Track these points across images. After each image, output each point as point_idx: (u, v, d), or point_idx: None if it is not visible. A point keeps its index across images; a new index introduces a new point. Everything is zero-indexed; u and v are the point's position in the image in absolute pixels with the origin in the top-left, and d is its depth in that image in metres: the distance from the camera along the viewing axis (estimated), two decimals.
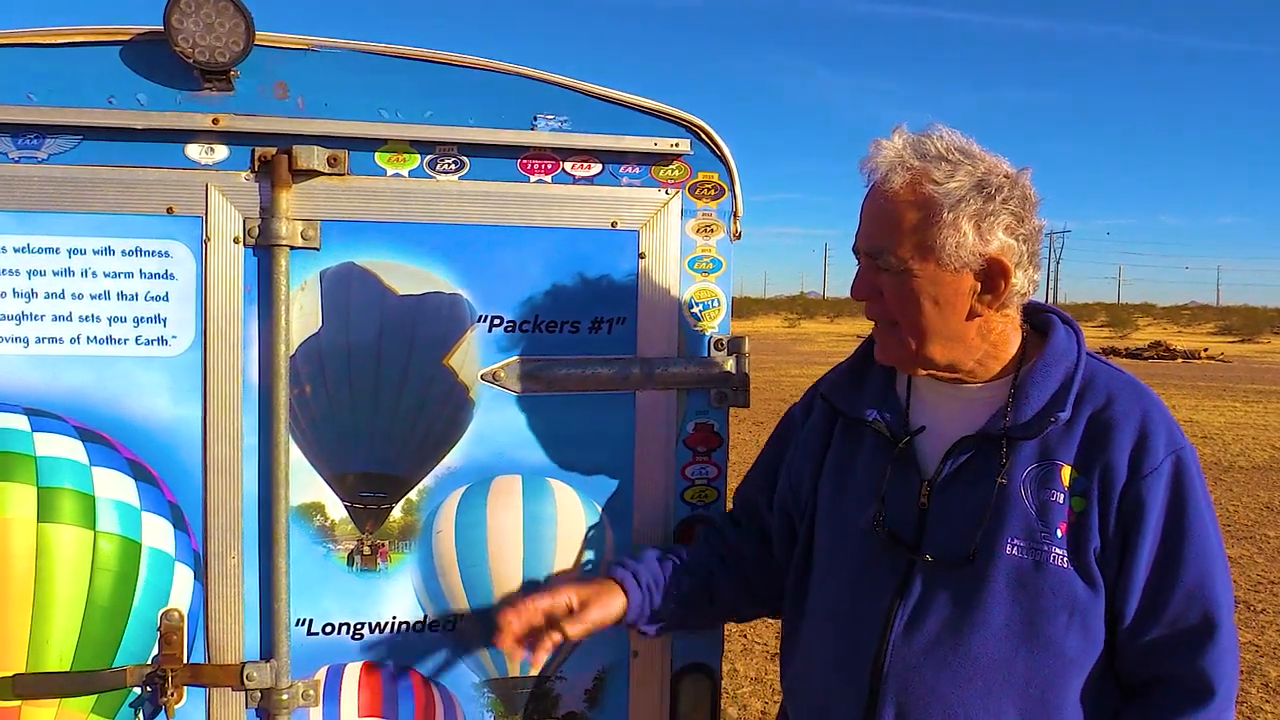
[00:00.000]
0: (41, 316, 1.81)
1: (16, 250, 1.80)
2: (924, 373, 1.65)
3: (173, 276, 1.85)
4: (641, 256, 2.02)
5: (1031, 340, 1.66)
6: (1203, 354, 34.33)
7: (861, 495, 1.69)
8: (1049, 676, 1.53)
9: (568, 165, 1.99)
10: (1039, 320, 1.69)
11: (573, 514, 2.02)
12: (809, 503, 1.82)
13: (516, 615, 1.76)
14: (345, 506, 1.94)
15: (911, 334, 1.58)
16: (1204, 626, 1.50)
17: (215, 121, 1.82)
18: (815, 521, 1.80)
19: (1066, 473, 1.54)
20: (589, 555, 2.04)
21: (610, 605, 1.82)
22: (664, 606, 1.86)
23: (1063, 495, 1.53)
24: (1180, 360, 32.50)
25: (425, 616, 1.99)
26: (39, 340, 1.81)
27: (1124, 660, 1.56)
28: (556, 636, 1.77)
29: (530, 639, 1.79)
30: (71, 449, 1.78)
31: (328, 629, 1.95)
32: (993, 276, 1.54)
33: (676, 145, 2.00)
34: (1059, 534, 1.52)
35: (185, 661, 1.87)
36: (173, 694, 1.84)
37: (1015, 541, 1.53)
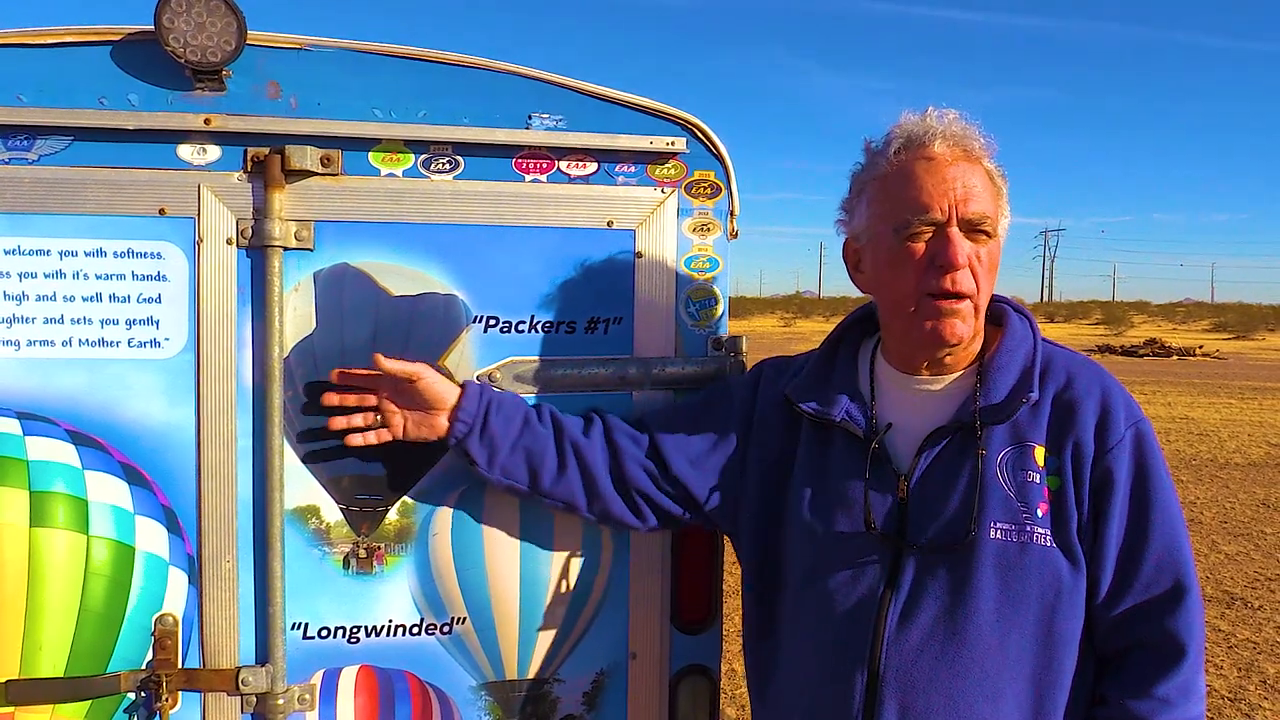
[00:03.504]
0: (33, 319, 1.80)
1: (7, 252, 1.78)
2: (951, 354, 1.64)
3: (165, 278, 1.84)
4: (638, 256, 2.01)
5: (988, 330, 1.70)
6: (1198, 351, 34.44)
7: (840, 496, 1.69)
8: (1041, 656, 1.57)
9: (563, 164, 1.98)
10: (991, 310, 1.72)
11: (570, 516, 2.01)
12: (774, 509, 1.79)
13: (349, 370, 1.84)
14: (340, 509, 1.93)
15: (982, 306, 1.61)
16: (1175, 590, 1.56)
17: (207, 122, 1.81)
18: (785, 528, 1.78)
19: (1039, 453, 1.59)
20: (585, 557, 2.02)
21: (442, 390, 1.81)
22: (500, 434, 1.82)
23: (1038, 475, 1.58)
24: (1176, 357, 32.59)
25: (422, 619, 1.97)
26: (30, 343, 1.79)
27: (1100, 631, 1.60)
28: (373, 402, 1.84)
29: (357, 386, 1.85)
30: (64, 453, 1.77)
31: (324, 633, 1.94)
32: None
33: (672, 144, 1.99)
34: (1040, 514, 1.56)
35: (180, 666, 1.85)
36: (167, 699, 1.83)
37: (999, 525, 1.56)
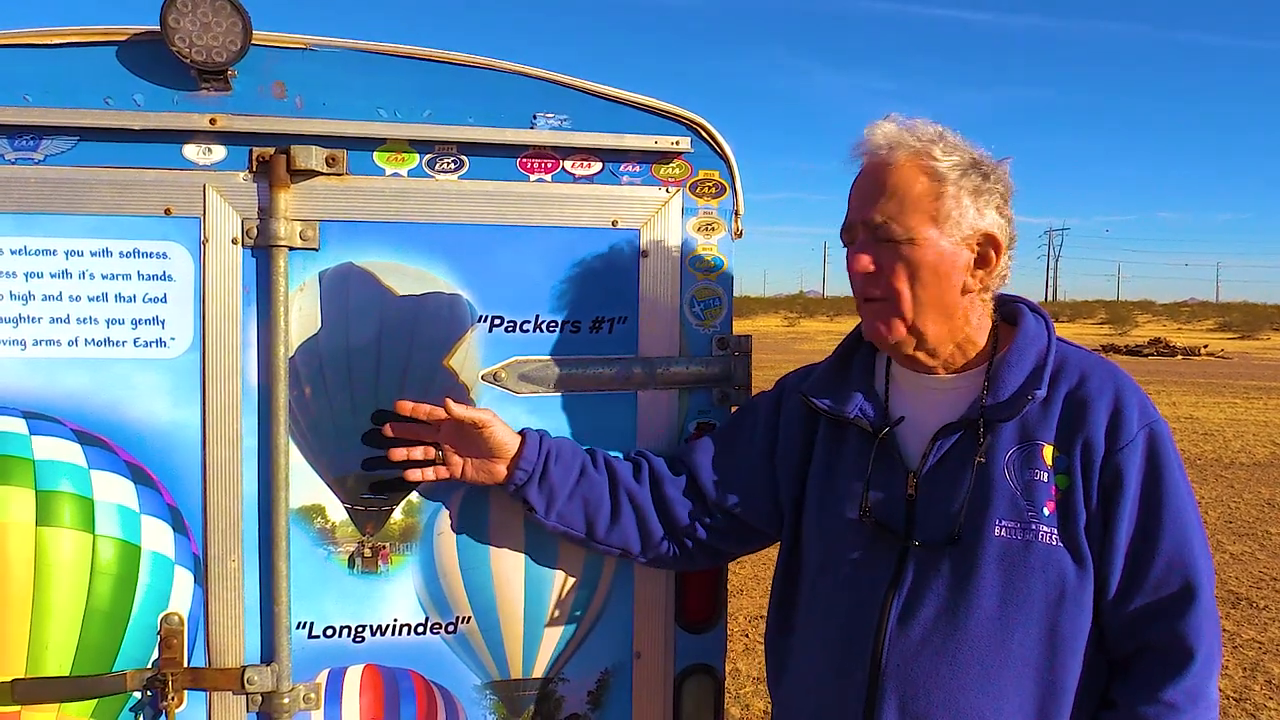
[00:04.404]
0: (39, 319, 1.80)
1: (13, 252, 1.78)
2: (910, 352, 1.66)
3: (171, 278, 1.84)
4: (643, 255, 2.01)
5: (1002, 329, 1.71)
6: (1203, 351, 34.35)
7: (849, 491, 1.70)
8: (1045, 656, 1.56)
9: (568, 164, 1.98)
10: (1008, 310, 1.74)
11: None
12: (792, 508, 1.82)
13: (416, 406, 1.85)
14: (346, 509, 1.93)
15: (908, 307, 1.61)
16: (1184, 593, 1.54)
17: (213, 122, 1.81)
18: (802, 525, 1.80)
19: (1048, 452, 1.58)
20: (590, 557, 2.02)
21: (505, 438, 1.84)
22: (559, 483, 1.85)
23: (1046, 474, 1.57)
24: (1180, 357, 32.51)
25: (427, 619, 1.98)
26: (36, 343, 1.80)
27: (1109, 633, 1.59)
28: (433, 453, 1.87)
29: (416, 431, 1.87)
30: (70, 452, 1.77)
31: (329, 632, 1.94)
32: (985, 251, 1.62)
33: (677, 143, 1.99)
34: (1046, 512, 1.56)
35: (186, 665, 1.86)
36: (173, 698, 1.83)
37: (1004, 523, 1.56)
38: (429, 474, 1.87)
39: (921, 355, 1.67)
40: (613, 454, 1.95)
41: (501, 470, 1.86)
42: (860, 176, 1.64)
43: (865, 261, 1.61)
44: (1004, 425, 1.61)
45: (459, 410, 1.82)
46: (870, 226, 1.61)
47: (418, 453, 1.87)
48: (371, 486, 1.93)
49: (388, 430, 1.88)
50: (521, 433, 1.88)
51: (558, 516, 1.86)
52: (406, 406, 1.85)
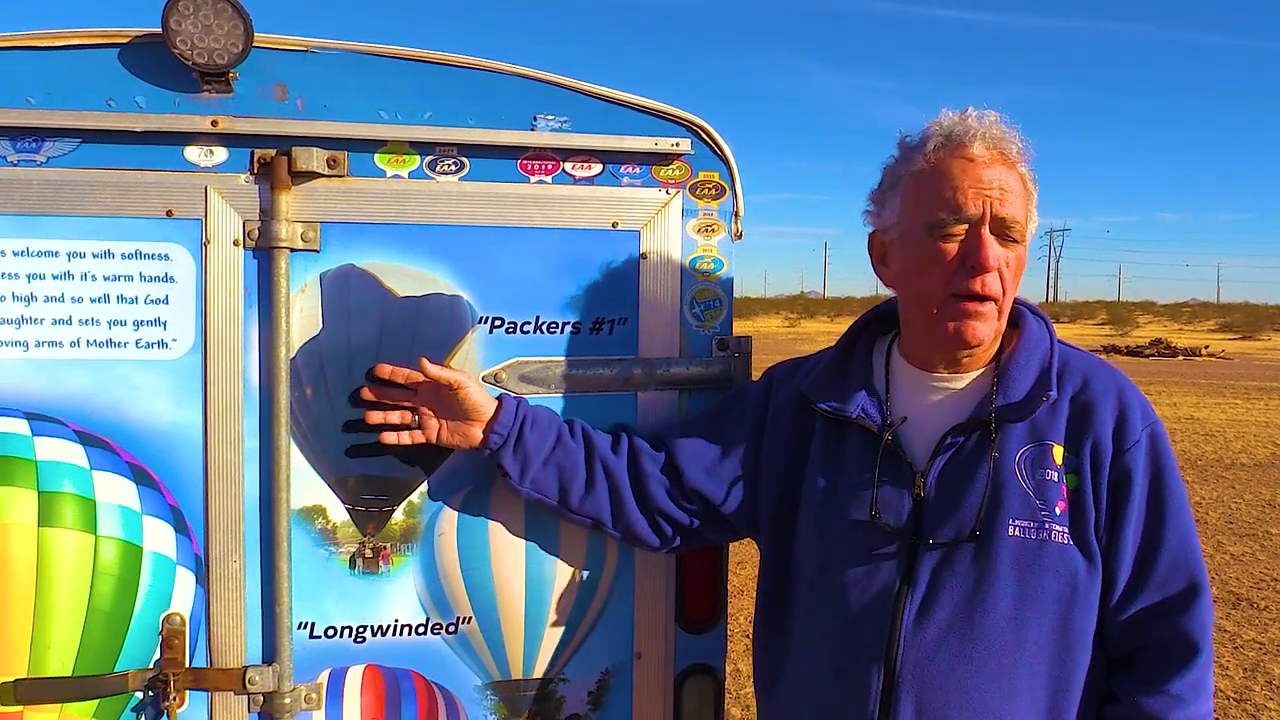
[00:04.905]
0: (41, 320, 1.80)
1: (16, 254, 1.79)
2: (978, 353, 1.66)
3: (172, 279, 1.85)
4: (643, 257, 2.01)
5: (1004, 331, 1.70)
6: (1204, 351, 34.33)
7: (855, 492, 1.69)
8: (1057, 654, 1.57)
9: (568, 165, 1.98)
10: (1009, 312, 1.73)
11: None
12: (778, 505, 1.81)
13: (395, 370, 1.87)
14: (347, 509, 1.94)
15: (1004, 310, 1.62)
16: (1189, 590, 1.57)
17: (214, 124, 1.82)
18: (796, 524, 1.79)
19: (1058, 452, 1.59)
20: (591, 557, 2.03)
21: (481, 400, 1.84)
22: (534, 449, 1.85)
23: (1057, 474, 1.58)
24: (1181, 358, 32.49)
25: (428, 619, 1.98)
26: (39, 344, 1.80)
27: (1112, 630, 1.60)
28: (412, 417, 1.87)
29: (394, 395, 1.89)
30: (72, 453, 1.77)
31: (330, 632, 1.95)
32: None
33: (677, 145, 1.99)
34: (1058, 511, 1.57)
35: (187, 666, 1.86)
36: (175, 698, 1.84)
37: (1017, 522, 1.57)
38: (404, 438, 1.88)
39: (967, 358, 1.67)
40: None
41: (476, 434, 1.86)
42: (976, 166, 1.56)
43: (992, 259, 1.55)
44: (1014, 426, 1.61)
45: (434, 370, 1.83)
46: (1004, 223, 1.56)
47: (394, 417, 1.88)
48: (373, 487, 1.94)
49: (365, 394, 1.89)
50: (499, 397, 1.89)
51: (531, 483, 1.86)
52: (385, 370, 1.88)
